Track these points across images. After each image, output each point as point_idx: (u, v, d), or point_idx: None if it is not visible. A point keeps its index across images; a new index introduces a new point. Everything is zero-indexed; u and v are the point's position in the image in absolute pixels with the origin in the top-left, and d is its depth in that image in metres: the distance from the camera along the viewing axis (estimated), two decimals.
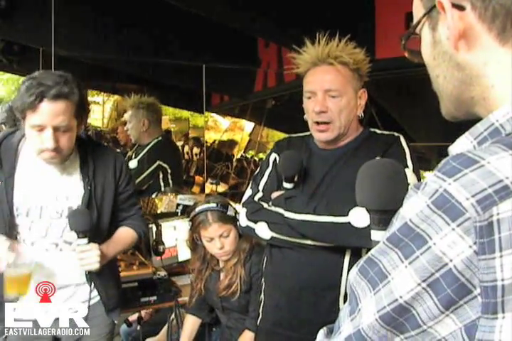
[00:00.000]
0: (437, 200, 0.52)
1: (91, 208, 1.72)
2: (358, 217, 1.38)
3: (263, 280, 1.75)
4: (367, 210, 0.88)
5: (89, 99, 5.89)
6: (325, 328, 0.73)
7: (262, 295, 1.73)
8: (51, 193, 1.71)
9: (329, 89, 1.53)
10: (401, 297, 0.54)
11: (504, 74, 0.58)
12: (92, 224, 1.67)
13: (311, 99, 1.56)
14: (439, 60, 0.64)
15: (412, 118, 3.94)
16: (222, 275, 2.16)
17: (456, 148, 0.60)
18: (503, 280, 0.48)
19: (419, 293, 0.53)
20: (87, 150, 1.77)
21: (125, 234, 1.89)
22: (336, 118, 1.54)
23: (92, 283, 1.76)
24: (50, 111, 1.52)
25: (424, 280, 0.52)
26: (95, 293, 1.82)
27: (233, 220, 2.06)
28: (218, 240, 2.06)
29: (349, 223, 1.40)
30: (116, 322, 1.94)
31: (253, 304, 1.99)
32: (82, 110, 1.63)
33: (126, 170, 1.86)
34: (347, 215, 1.41)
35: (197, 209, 2.12)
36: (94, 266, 1.66)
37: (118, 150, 3.90)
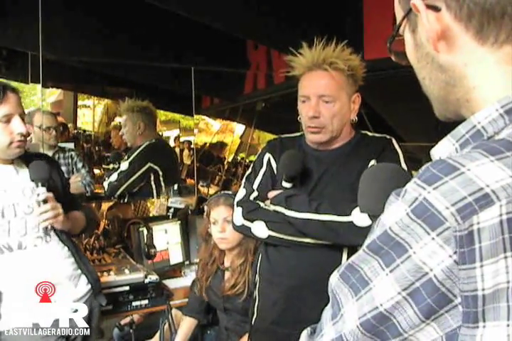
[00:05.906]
0: (417, 209, 0.51)
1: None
2: (361, 217, 1.40)
3: (257, 278, 1.75)
4: (369, 216, 0.87)
5: (79, 102, 5.86)
6: (309, 328, 0.72)
7: (257, 294, 1.73)
8: (17, 190, 1.77)
9: (323, 94, 1.55)
10: (381, 305, 0.53)
11: (486, 75, 0.57)
12: (49, 174, 1.81)
13: (305, 103, 1.59)
14: (423, 62, 0.63)
15: (402, 119, 3.96)
16: (227, 274, 2.17)
17: (438, 151, 0.59)
18: (483, 289, 0.48)
19: (399, 302, 0.52)
20: (26, 154, 1.86)
21: (76, 213, 1.98)
22: (328, 124, 1.57)
23: (66, 245, 1.83)
24: (15, 101, 1.71)
25: (404, 289, 0.52)
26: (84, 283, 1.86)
27: None
28: (221, 223, 2.10)
29: (352, 222, 1.42)
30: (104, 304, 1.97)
31: None
32: None
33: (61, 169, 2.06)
34: (350, 214, 1.43)
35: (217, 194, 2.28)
36: (55, 219, 1.73)
37: (109, 154, 3.87)
